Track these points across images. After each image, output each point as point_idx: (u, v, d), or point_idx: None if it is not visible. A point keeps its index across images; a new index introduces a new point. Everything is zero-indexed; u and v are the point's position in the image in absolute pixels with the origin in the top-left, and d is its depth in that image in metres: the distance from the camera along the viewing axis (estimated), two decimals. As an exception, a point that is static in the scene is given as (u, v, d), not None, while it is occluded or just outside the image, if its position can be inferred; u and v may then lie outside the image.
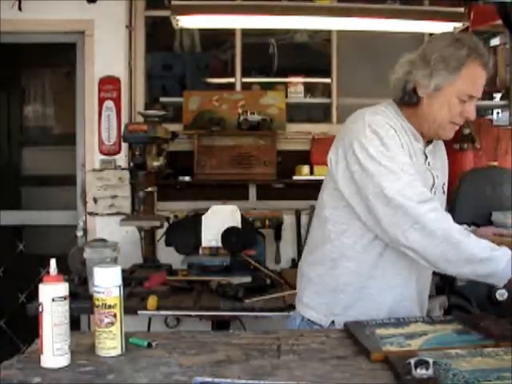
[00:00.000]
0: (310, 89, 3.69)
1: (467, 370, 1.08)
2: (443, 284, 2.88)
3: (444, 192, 1.68)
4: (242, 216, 2.84)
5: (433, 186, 1.60)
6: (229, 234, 2.74)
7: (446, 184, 1.70)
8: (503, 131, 3.44)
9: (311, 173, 3.39)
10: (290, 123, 3.58)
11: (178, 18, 2.82)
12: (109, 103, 3.35)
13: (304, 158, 3.47)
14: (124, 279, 1.28)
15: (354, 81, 3.50)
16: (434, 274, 1.66)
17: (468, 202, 2.75)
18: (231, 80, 3.66)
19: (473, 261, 1.38)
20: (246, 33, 3.58)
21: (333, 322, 1.58)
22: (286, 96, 3.58)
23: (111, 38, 3.32)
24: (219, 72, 3.86)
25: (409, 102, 1.55)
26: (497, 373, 1.06)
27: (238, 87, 3.62)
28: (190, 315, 2.45)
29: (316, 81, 3.77)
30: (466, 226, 1.71)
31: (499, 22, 2.75)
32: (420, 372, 1.06)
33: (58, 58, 3.57)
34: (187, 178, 3.40)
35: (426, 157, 1.60)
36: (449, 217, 1.44)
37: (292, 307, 1.80)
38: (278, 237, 3.38)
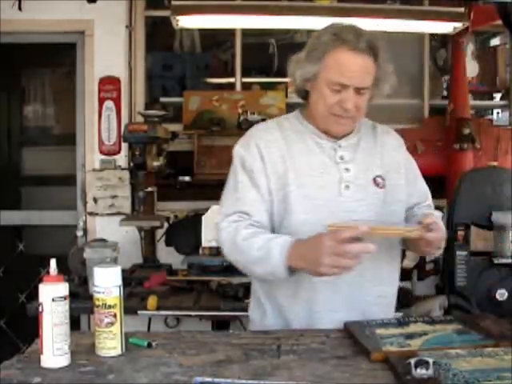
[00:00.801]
0: (309, 89, 3.68)
1: (467, 370, 1.08)
2: (443, 284, 2.88)
3: (379, 185, 1.56)
4: (242, 216, 2.84)
5: (340, 180, 1.53)
6: (229, 234, 2.74)
7: (385, 176, 1.58)
8: (503, 131, 3.44)
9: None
10: (290, 123, 3.57)
11: (178, 18, 2.82)
12: (109, 103, 3.35)
13: (304, 158, 3.46)
14: (124, 279, 1.28)
15: (353, 81, 3.49)
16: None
17: (468, 202, 2.75)
18: (231, 80, 3.65)
19: (256, 260, 1.43)
20: (245, 33, 3.57)
21: None
22: (286, 96, 3.57)
23: (111, 38, 3.31)
24: (219, 72, 3.86)
25: (301, 97, 1.60)
26: (497, 373, 1.07)
27: (238, 87, 3.62)
28: (190, 315, 2.45)
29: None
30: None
31: (499, 22, 2.75)
32: (420, 372, 1.06)
33: (58, 58, 3.57)
34: (187, 178, 3.39)
35: (336, 151, 1.55)
36: (239, 226, 1.48)
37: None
38: (277, 237, 3.37)
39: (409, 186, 1.63)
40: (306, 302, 1.52)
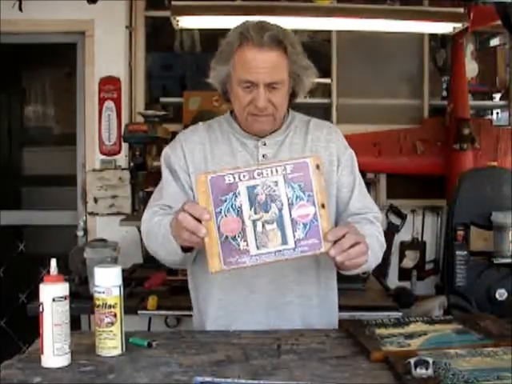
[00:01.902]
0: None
1: (467, 370, 1.08)
2: (443, 284, 2.88)
3: None
4: (242, 216, 2.83)
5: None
6: (229, 234, 2.74)
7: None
8: (503, 131, 3.45)
9: (311, 173, 3.39)
10: (290, 123, 3.57)
11: (178, 18, 2.82)
12: (109, 103, 3.35)
13: (304, 158, 3.46)
14: (124, 279, 1.29)
15: (354, 81, 3.49)
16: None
17: (468, 201, 2.76)
18: (231, 80, 3.65)
19: (161, 242, 1.40)
20: (246, 33, 3.57)
21: None
22: (287, 96, 3.57)
23: (111, 38, 3.31)
24: (219, 72, 3.85)
25: (226, 100, 1.58)
26: (496, 372, 1.07)
27: (238, 87, 3.61)
28: (190, 315, 2.45)
29: (316, 81, 3.76)
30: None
31: (499, 22, 2.75)
32: (420, 372, 1.06)
33: (58, 58, 3.57)
34: (187, 178, 3.39)
35: (258, 150, 1.53)
36: (154, 214, 1.47)
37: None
38: (277, 237, 3.37)
39: (339, 176, 1.57)
40: (221, 302, 1.52)
